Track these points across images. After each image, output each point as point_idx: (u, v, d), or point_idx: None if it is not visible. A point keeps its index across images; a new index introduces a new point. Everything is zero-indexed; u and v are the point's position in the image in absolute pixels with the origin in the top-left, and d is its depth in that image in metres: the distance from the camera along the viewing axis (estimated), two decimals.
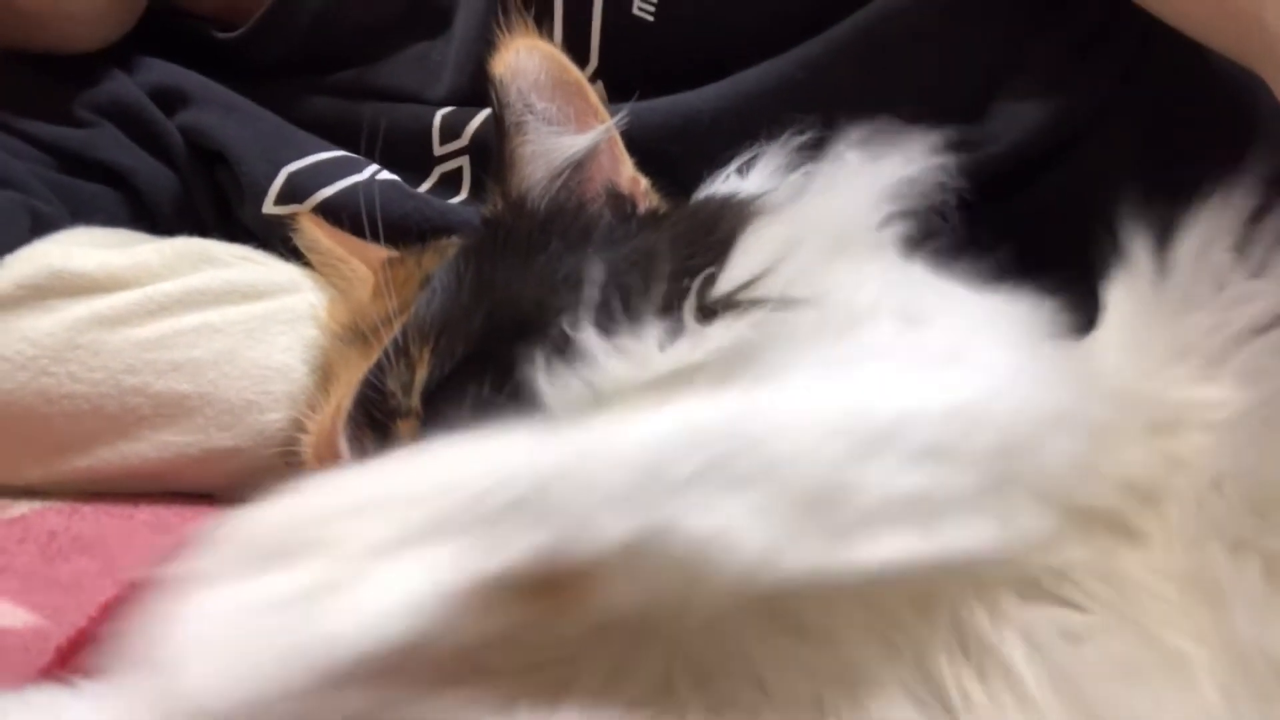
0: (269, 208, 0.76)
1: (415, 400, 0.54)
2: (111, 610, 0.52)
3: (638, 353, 0.48)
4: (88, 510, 0.63)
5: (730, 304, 0.49)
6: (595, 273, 0.51)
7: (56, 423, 0.62)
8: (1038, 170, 0.71)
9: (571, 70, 0.60)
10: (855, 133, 0.56)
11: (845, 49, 0.71)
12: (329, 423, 0.59)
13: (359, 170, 0.76)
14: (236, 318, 0.66)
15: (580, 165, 0.59)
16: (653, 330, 0.48)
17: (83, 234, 0.67)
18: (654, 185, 0.63)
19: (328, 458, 0.59)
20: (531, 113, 0.58)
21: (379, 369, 0.56)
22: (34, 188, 0.69)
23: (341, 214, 0.73)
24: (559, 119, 0.59)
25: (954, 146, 0.58)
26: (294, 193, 0.76)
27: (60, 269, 0.63)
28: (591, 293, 0.50)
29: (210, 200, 0.80)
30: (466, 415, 0.52)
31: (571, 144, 0.58)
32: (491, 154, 0.60)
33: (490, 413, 0.51)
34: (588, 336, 0.48)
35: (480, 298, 0.55)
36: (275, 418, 0.66)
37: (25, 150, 0.73)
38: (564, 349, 0.49)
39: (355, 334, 0.64)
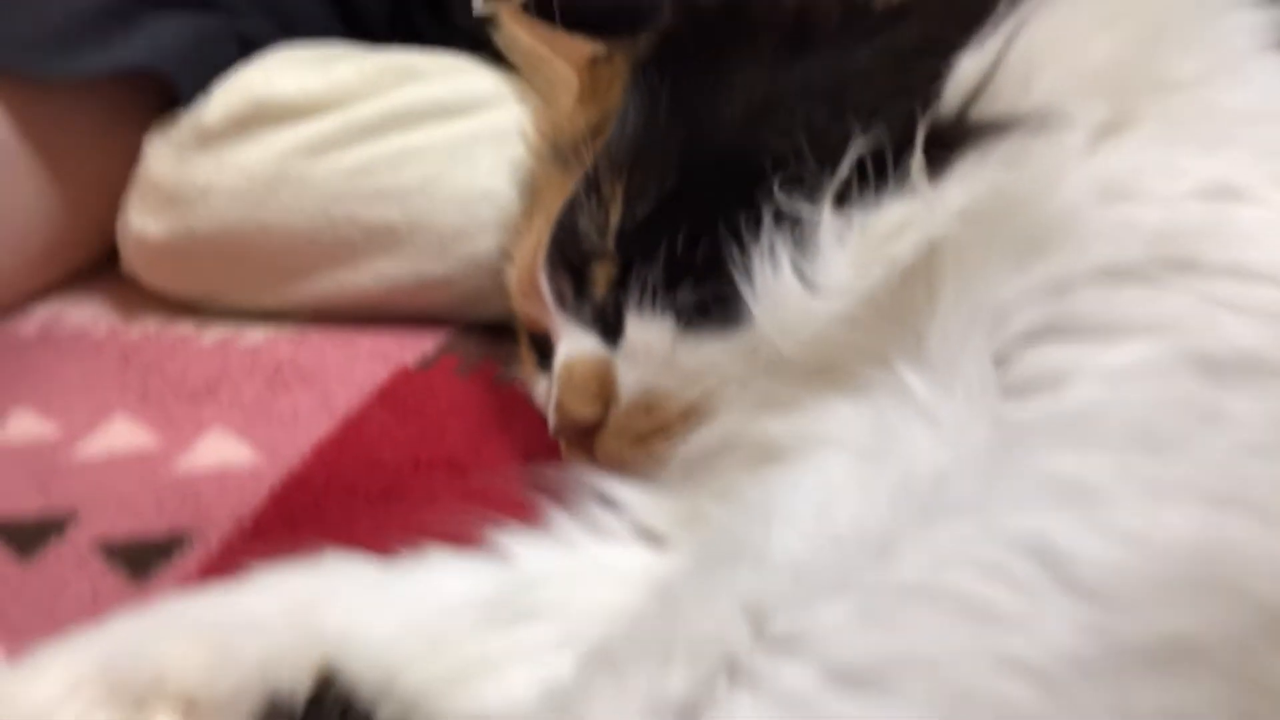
0: (480, 7, 0.70)
1: (610, 243, 0.49)
2: (321, 454, 0.53)
3: (864, 246, 0.40)
4: (315, 338, 0.64)
5: (970, 130, 0.40)
6: (812, 107, 0.43)
7: (278, 252, 0.63)
8: None
9: None
10: None
11: None
12: (530, 258, 0.56)
13: None
14: (439, 139, 0.63)
15: None
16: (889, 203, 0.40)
17: (286, 54, 0.65)
18: None
19: (531, 296, 0.56)
20: None
21: (572, 206, 0.51)
22: (240, 7, 0.68)
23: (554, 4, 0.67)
24: None
25: None
26: None
27: (262, 97, 0.62)
28: (807, 143, 0.41)
29: (424, 5, 0.75)
30: (663, 268, 0.46)
31: None
32: None
33: (688, 270, 0.46)
34: (809, 217, 0.41)
35: (677, 123, 0.48)
36: (485, 245, 0.63)
37: None
38: (780, 221, 0.42)
39: (557, 152, 0.59)
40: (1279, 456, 0.34)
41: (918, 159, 0.39)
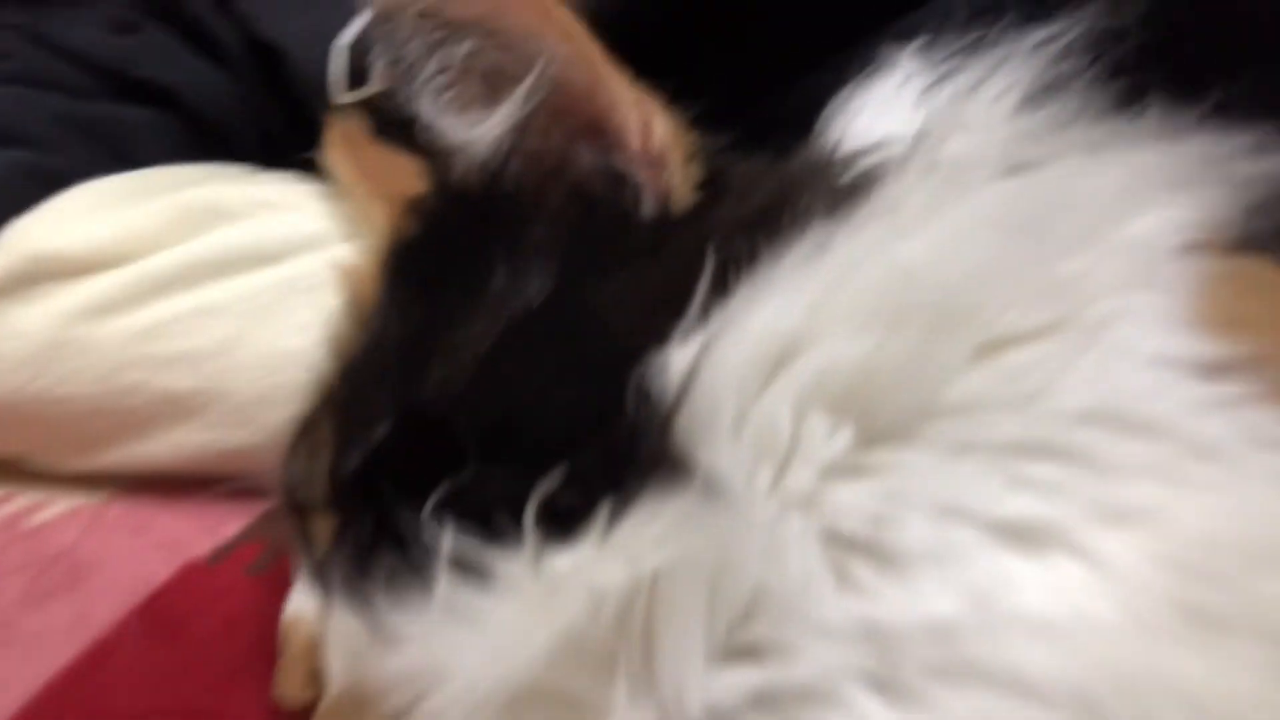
0: (344, 97, 0.61)
1: (322, 495, 0.40)
2: (42, 703, 0.46)
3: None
4: (115, 515, 0.57)
5: (660, 466, 0.29)
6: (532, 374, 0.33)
7: (64, 423, 0.56)
8: None
9: None
10: None
11: None
12: None
13: None
14: (242, 292, 0.55)
15: (542, 110, 0.38)
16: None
17: (79, 194, 0.57)
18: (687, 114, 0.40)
19: None
20: (443, 47, 0.37)
21: (291, 439, 0.42)
22: (47, 138, 0.60)
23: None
24: (495, 48, 0.37)
25: None
26: (364, 69, 0.60)
27: (42, 252, 0.55)
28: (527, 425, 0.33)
29: (281, 110, 0.66)
30: (366, 544, 0.37)
31: (512, 97, 0.37)
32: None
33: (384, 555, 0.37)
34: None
35: (402, 350, 0.39)
36: (293, 411, 0.55)
37: (57, 71, 0.63)
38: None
39: (356, 318, 0.50)
40: None
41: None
